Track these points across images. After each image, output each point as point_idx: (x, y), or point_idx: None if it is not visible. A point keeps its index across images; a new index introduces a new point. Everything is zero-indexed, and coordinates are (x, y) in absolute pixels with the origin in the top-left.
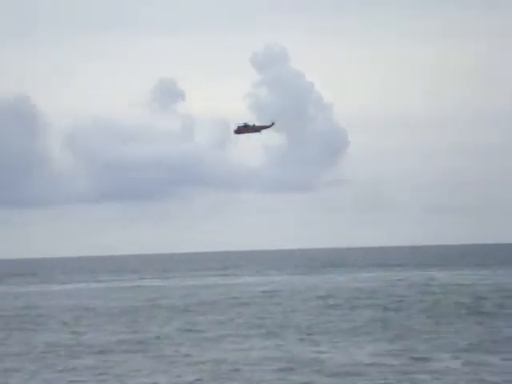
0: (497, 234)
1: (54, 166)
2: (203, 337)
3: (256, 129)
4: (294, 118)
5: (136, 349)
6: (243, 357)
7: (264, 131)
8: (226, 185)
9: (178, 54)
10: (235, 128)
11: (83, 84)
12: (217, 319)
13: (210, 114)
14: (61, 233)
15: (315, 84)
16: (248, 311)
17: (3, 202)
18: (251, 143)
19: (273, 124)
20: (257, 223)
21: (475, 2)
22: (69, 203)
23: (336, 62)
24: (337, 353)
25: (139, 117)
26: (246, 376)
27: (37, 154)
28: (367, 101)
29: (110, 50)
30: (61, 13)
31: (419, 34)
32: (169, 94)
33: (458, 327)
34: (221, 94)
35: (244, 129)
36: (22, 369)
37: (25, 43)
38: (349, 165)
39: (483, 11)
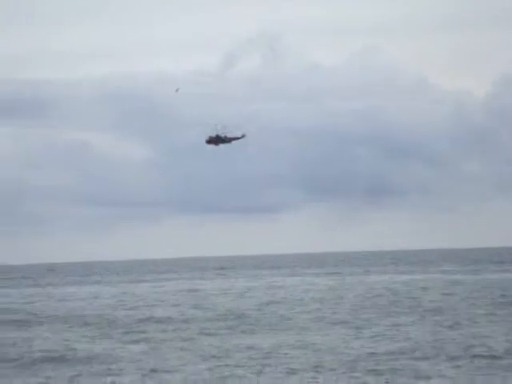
0: None
1: None
2: None
3: (227, 140)
4: None
5: None
6: None
7: (234, 142)
8: None
9: None
10: (206, 138)
11: None
12: None
13: None
14: None
15: None
16: None
17: None
18: None
19: (244, 136)
20: None
21: None
22: None
23: None
24: None
25: None
26: None
27: None
28: None
29: None
30: None
31: None
32: None
33: None
34: None
35: (215, 139)
36: None
37: None
38: None
39: None
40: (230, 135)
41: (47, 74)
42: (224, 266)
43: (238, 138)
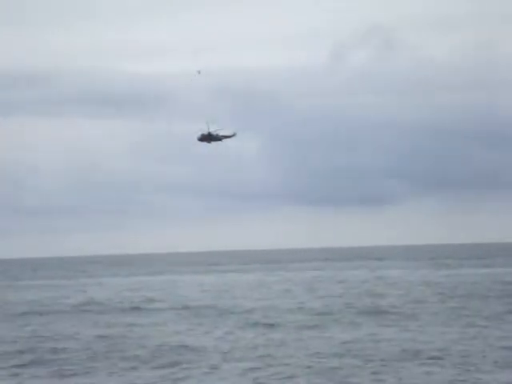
0: None
1: None
2: None
3: (218, 138)
4: None
5: None
6: None
7: (225, 140)
8: None
9: None
10: (199, 136)
11: None
12: None
13: None
14: None
15: None
16: None
17: None
18: None
19: (234, 134)
20: None
21: None
22: None
23: None
24: None
25: None
26: None
27: None
28: None
29: None
30: None
31: None
32: None
33: None
34: None
35: (207, 137)
36: None
37: None
38: None
39: None
40: (221, 133)
41: (161, 67)
42: (327, 258)
43: (229, 137)
